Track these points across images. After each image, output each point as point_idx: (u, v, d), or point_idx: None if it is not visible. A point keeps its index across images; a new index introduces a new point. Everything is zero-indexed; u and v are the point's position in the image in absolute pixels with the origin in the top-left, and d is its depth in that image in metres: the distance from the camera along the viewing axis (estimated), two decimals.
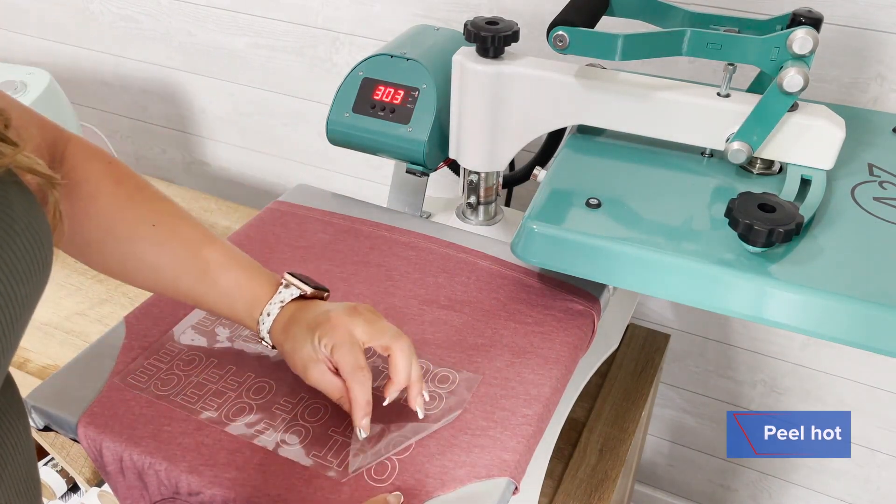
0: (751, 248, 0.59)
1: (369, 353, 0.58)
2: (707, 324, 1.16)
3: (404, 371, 0.56)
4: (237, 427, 0.59)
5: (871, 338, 0.55)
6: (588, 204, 0.65)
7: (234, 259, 0.60)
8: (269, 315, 0.58)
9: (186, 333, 0.67)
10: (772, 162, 0.69)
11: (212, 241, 0.60)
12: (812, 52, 0.61)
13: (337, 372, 0.56)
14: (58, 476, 0.97)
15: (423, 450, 0.57)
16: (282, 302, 0.58)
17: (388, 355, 0.56)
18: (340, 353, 0.54)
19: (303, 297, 0.59)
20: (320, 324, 0.56)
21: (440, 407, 0.60)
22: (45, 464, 0.98)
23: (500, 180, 0.86)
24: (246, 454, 0.57)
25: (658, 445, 1.35)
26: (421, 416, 0.58)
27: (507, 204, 1.07)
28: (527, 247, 0.64)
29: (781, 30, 0.65)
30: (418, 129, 0.77)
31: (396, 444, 0.57)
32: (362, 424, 0.55)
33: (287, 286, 0.59)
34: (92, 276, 0.99)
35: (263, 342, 0.60)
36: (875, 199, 0.66)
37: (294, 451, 0.57)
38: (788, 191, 0.64)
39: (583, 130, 0.76)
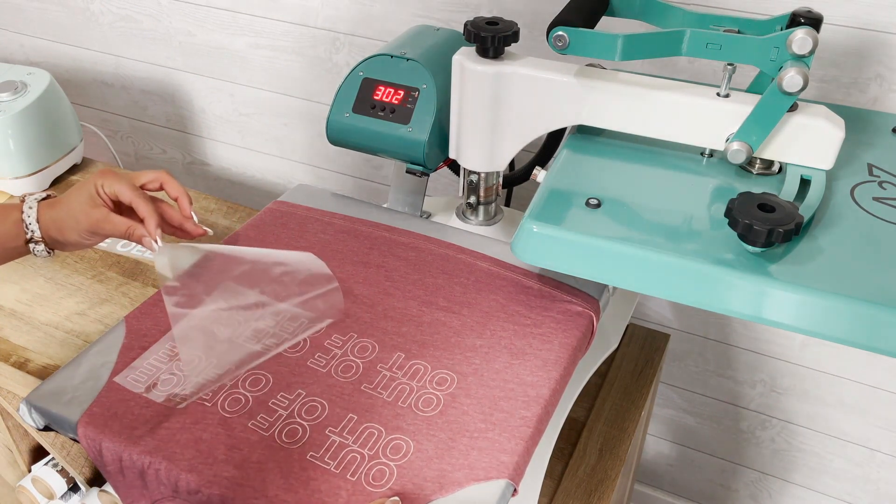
0: (750, 248, 0.59)
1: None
2: (707, 324, 1.15)
3: (180, 184, 0.70)
4: (236, 427, 0.59)
5: (871, 338, 0.55)
6: (588, 204, 0.65)
7: None
8: (31, 208, 0.67)
9: None
10: (771, 162, 0.69)
11: None
12: (812, 52, 0.61)
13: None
14: (58, 476, 0.97)
15: (420, 454, 0.57)
16: (35, 199, 0.68)
17: (161, 184, 0.69)
18: (120, 185, 0.66)
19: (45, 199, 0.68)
20: (93, 178, 0.67)
21: (437, 408, 0.60)
22: (45, 464, 0.98)
23: (500, 180, 0.86)
24: (244, 452, 0.57)
25: (658, 445, 1.35)
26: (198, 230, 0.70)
27: (507, 204, 1.07)
28: (527, 247, 0.64)
29: (781, 30, 0.65)
30: (418, 129, 0.78)
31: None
32: (158, 234, 0.66)
33: (30, 195, 0.68)
34: (92, 275, 0.99)
35: (33, 240, 0.67)
36: (875, 199, 0.66)
37: (292, 451, 0.57)
38: (788, 191, 0.64)
39: (583, 130, 0.76)
